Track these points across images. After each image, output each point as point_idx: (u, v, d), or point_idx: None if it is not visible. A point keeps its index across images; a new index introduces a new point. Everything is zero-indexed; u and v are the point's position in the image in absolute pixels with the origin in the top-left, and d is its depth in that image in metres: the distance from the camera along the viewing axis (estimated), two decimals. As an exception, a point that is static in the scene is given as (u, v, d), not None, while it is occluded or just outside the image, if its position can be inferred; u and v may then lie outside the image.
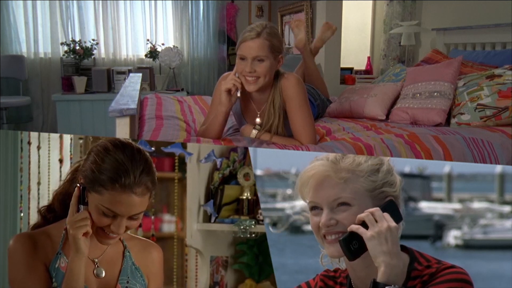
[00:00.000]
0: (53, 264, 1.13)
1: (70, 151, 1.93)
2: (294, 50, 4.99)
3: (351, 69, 4.82)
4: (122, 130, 1.83)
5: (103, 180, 1.07)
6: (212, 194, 1.94)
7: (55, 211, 1.21)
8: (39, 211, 1.23)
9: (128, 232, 1.19)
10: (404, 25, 4.20)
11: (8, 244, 1.13)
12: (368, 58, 5.07)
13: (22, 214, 1.86)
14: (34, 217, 1.81)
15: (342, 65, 4.37)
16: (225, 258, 1.98)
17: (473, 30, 3.44)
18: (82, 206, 1.10)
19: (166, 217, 2.10)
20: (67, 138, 1.93)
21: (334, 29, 3.11)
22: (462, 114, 2.43)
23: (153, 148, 1.78)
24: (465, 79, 2.62)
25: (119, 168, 1.08)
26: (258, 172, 1.78)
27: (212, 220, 1.91)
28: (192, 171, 1.89)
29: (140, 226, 1.80)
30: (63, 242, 1.14)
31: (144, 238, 1.29)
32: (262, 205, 1.72)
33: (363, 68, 5.02)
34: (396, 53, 4.55)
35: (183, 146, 1.85)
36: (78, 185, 1.12)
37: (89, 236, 1.10)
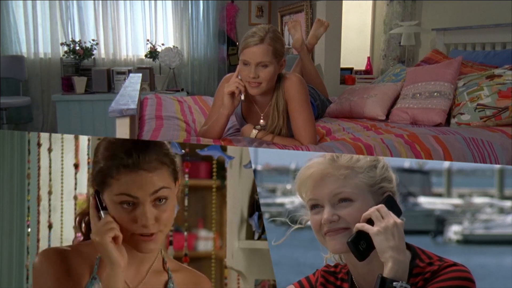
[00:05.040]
0: None
1: (88, 154, 1.62)
2: (294, 50, 5.01)
3: (351, 69, 4.82)
4: (122, 130, 1.82)
5: (109, 169, 0.97)
6: (257, 205, 1.66)
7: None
8: (73, 244, 1.09)
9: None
10: (404, 25, 4.21)
11: (17, 257, 0.98)
12: (368, 58, 5.07)
13: (29, 229, 1.60)
14: (44, 233, 1.61)
15: (342, 65, 4.37)
16: (273, 282, 1.68)
17: (473, 30, 3.44)
18: (102, 212, 0.99)
19: (202, 233, 1.79)
20: (83, 139, 1.64)
21: (327, 25, 3.15)
22: (462, 114, 2.43)
23: (183, 151, 1.53)
24: (465, 79, 2.62)
25: (121, 151, 0.97)
26: (258, 167, 1.72)
27: (256, 236, 1.64)
28: (233, 178, 1.62)
29: (170, 243, 1.55)
30: (98, 266, 1.00)
31: (194, 270, 1.12)
32: (261, 200, 1.67)
33: (363, 68, 5.02)
34: (396, 53, 4.55)
35: (223, 148, 1.59)
36: (91, 194, 1.01)
37: (119, 243, 0.97)
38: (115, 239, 0.96)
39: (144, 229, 0.96)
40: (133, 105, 1.92)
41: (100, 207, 0.99)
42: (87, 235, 1.06)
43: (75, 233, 1.09)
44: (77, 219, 1.08)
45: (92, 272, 1.00)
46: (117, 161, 0.96)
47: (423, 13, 4.27)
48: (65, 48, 5.19)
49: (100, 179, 0.99)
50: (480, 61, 3.06)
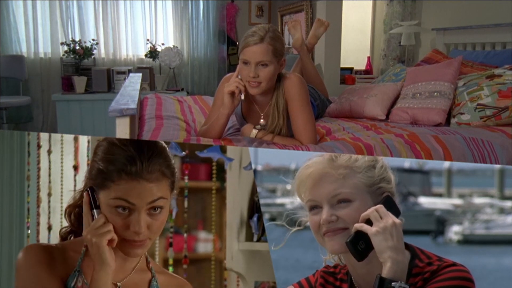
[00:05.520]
0: (69, 283, 0.98)
1: (87, 156, 1.62)
2: (294, 50, 5.02)
3: (351, 69, 4.82)
4: (122, 130, 1.82)
5: (110, 172, 0.96)
6: (257, 207, 1.65)
7: (77, 232, 1.04)
8: (60, 233, 1.10)
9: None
10: (404, 25, 4.21)
11: (16, 258, 0.98)
12: (368, 58, 5.07)
13: (29, 231, 1.60)
14: (43, 235, 1.62)
15: (342, 65, 4.37)
16: (272, 283, 1.67)
17: (473, 30, 3.44)
18: (95, 211, 0.98)
19: (202, 234, 1.79)
20: (83, 140, 1.64)
21: (327, 25, 3.16)
22: (462, 114, 2.43)
23: (184, 152, 1.54)
24: (465, 79, 2.62)
25: (124, 156, 0.97)
26: (258, 167, 1.72)
27: (255, 238, 1.65)
28: (232, 180, 1.63)
29: (170, 245, 1.56)
30: (82, 260, 1.00)
31: (175, 275, 1.13)
32: (261, 201, 1.66)
33: (363, 68, 5.02)
34: (396, 53, 4.55)
35: (222, 150, 1.58)
36: (87, 190, 1.00)
37: (114, 245, 0.97)
38: (110, 241, 0.96)
39: (135, 236, 0.97)
40: (133, 105, 1.92)
41: (93, 205, 0.99)
42: (75, 227, 1.07)
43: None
44: (67, 210, 1.08)
45: (75, 266, 0.99)
46: (119, 166, 0.96)
47: (423, 13, 4.27)
48: (65, 48, 5.19)
49: (99, 180, 0.99)
50: (480, 61, 3.06)
